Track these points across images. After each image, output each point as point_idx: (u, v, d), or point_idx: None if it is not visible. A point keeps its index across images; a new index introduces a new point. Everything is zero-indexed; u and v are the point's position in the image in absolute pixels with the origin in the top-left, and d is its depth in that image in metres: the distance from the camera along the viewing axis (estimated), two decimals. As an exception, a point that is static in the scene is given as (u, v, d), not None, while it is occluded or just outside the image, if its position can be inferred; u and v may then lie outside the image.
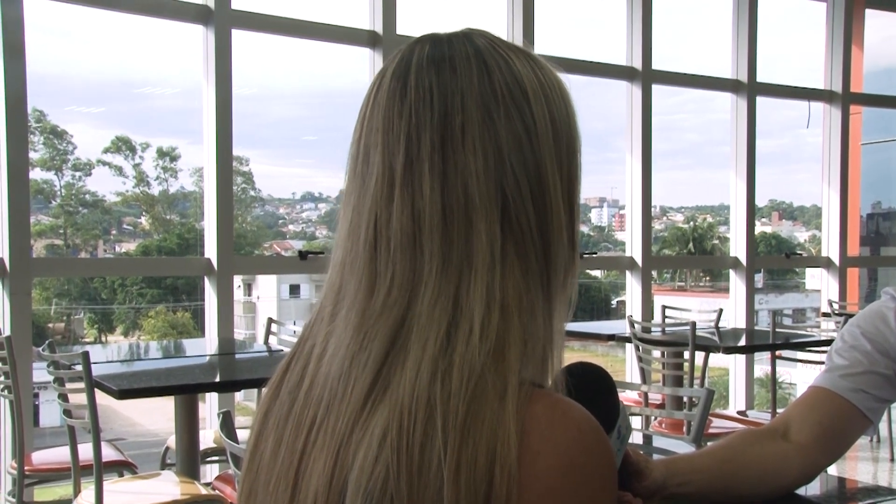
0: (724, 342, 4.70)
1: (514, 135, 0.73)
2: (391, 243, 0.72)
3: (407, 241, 0.71)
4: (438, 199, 0.71)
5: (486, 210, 0.71)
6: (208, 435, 3.86)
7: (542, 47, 5.68)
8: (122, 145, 14.55)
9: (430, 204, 0.71)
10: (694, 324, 4.26)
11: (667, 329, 4.76)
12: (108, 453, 3.41)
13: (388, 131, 0.74)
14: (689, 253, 19.09)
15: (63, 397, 3.06)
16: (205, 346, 4.50)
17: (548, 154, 0.74)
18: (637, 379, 4.85)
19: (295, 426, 0.75)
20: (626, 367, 6.00)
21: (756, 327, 6.57)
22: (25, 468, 3.38)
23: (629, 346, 5.29)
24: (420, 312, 0.70)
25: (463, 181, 0.71)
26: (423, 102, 0.73)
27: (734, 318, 6.56)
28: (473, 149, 0.71)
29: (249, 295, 15.15)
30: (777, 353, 4.80)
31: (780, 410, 4.26)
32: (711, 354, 4.51)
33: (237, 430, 1.82)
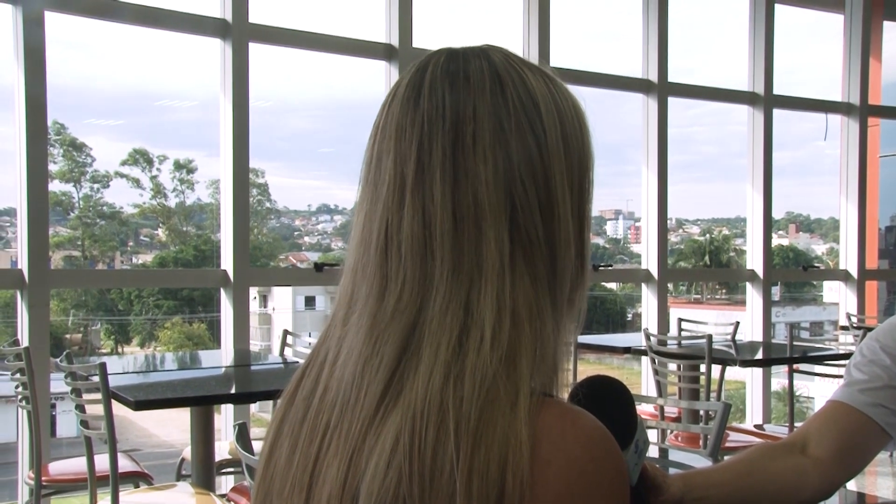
0: (741, 355, 4.67)
1: (525, 146, 0.73)
2: (402, 248, 0.72)
3: (417, 246, 0.72)
4: (449, 205, 0.72)
5: (495, 218, 0.71)
6: (224, 446, 3.86)
7: (557, 60, 5.69)
8: (140, 157, 14.65)
9: (441, 210, 0.71)
10: (710, 337, 4.24)
11: (683, 342, 4.73)
12: (124, 464, 3.42)
13: (401, 139, 0.75)
14: (706, 265, 18.98)
15: (80, 408, 3.08)
16: (220, 357, 4.52)
17: (557, 167, 0.74)
18: (653, 392, 4.82)
19: (310, 431, 0.75)
20: (641, 380, 5.96)
21: (773, 340, 6.51)
22: (42, 478, 3.40)
23: (645, 359, 5.26)
24: (431, 317, 0.70)
25: (473, 188, 0.72)
26: (436, 111, 0.74)
27: (751, 331, 6.52)
28: (484, 157, 0.72)
29: (265, 307, 15.18)
30: (794, 366, 4.76)
31: (797, 424, 4.23)
32: (728, 368, 4.48)
33: (253, 442, 1.82)
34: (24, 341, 4.05)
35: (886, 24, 7.50)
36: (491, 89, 0.74)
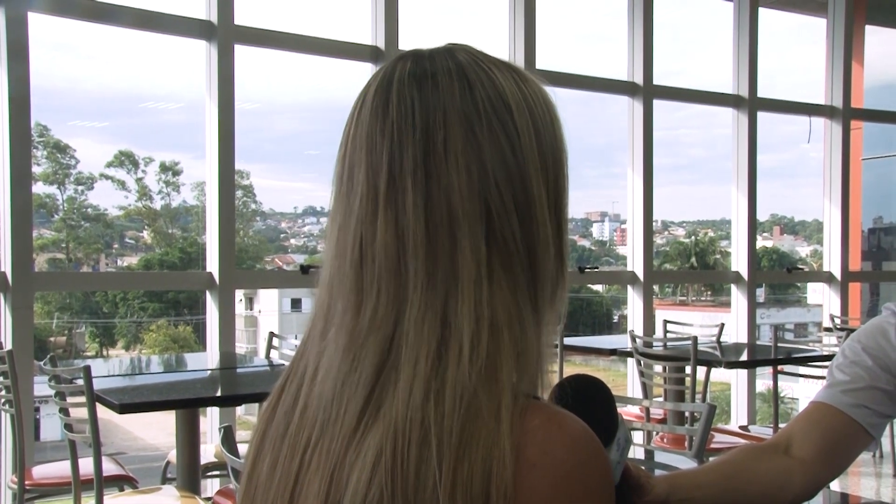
0: (726, 357, 4.69)
1: (498, 148, 0.72)
2: (376, 261, 0.72)
3: (391, 258, 0.71)
4: (422, 215, 0.71)
5: (469, 226, 0.70)
6: (209, 449, 3.85)
7: (543, 62, 5.70)
8: (126, 159, 14.61)
9: (414, 221, 0.71)
10: (695, 338, 4.26)
11: (668, 344, 4.75)
12: (109, 468, 3.40)
13: (372, 150, 0.73)
14: (692, 267, 19.08)
15: (64, 411, 3.06)
16: (206, 360, 4.50)
17: (532, 167, 0.73)
18: (639, 394, 4.84)
19: (290, 447, 0.75)
20: (627, 381, 5.98)
21: (758, 342, 6.56)
22: (26, 483, 3.37)
23: (631, 361, 5.29)
24: (407, 330, 0.69)
25: (446, 197, 0.71)
26: (405, 119, 0.73)
27: (736, 332, 6.55)
28: (456, 165, 0.71)
29: (251, 309, 15.15)
30: (779, 367, 4.79)
31: (781, 425, 4.25)
32: (713, 369, 4.50)
33: (238, 445, 1.81)
34: (8, 345, 4.02)
35: (868, 28, 7.57)
36: (460, 92, 0.73)
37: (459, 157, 0.71)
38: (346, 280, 0.74)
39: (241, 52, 4.73)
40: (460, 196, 0.71)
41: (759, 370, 6.62)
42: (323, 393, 0.73)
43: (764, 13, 6.65)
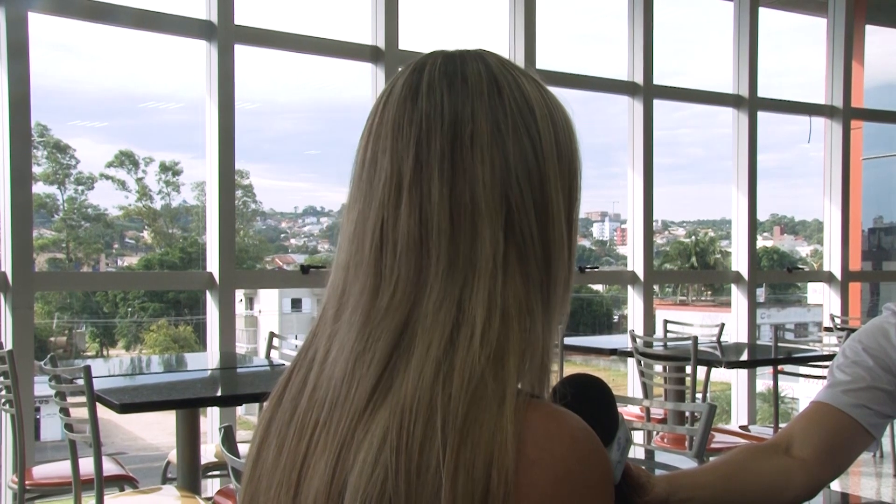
0: (726, 357, 4.69)
1: (521, 148, 0.74)
2: (398, 246, 0.73)
3: (414, 243, 0.72)
4: (447, 203, 0.72)
5: (490, 217, 0.72)
6: (209, 449, 3.85)
7: (543, 62, 5.70)
8: (126, 160, 14.60)
9: (439, 208, 0.72)
10: (696, 338, 4.26)
11: (669, 343, 4.75)
12: (109, 468, 3.40)
13: (398, 137, 0.75)
14: (692, 267, 19.09)
15: (64, 411, 3.06)
16: (206, 360, 4.50)
17: (552, 170, 0.76)
18: (639, 393, 4.84)
19: (298, 429, 0.75)
20: (627, 381, 5.98)
21: (758, 342, 6.55)
22: (26, 483, 3.37)
23: (631, 361, 5.28)
24: (425, 314, 0.71)
25: (470, 188, 0.73)
26: (435, 110, 0.75)
27: (736, 332, 6.55)
28: (482, 158, 0.73)
29: (251, 309, 15.15)
30: (779, 367, 4.80)
31: (782, 425, 4.25)
32: (713, 369, 4.50)
33: (238, 445, 1.81)
34: (8, 345, 4.02)
35: (869, 28, 7.57)
36: (489, 91, 0.75)
37: (485, 151, 0.73)
38: (365, 263, 0.75)
39: (241, 52, 4.73)
40: (483, 188, 0.73)
41: (759, 370, 6.62)
42: (334, 373, 0.73)
43: (764, 13, 6.65)
